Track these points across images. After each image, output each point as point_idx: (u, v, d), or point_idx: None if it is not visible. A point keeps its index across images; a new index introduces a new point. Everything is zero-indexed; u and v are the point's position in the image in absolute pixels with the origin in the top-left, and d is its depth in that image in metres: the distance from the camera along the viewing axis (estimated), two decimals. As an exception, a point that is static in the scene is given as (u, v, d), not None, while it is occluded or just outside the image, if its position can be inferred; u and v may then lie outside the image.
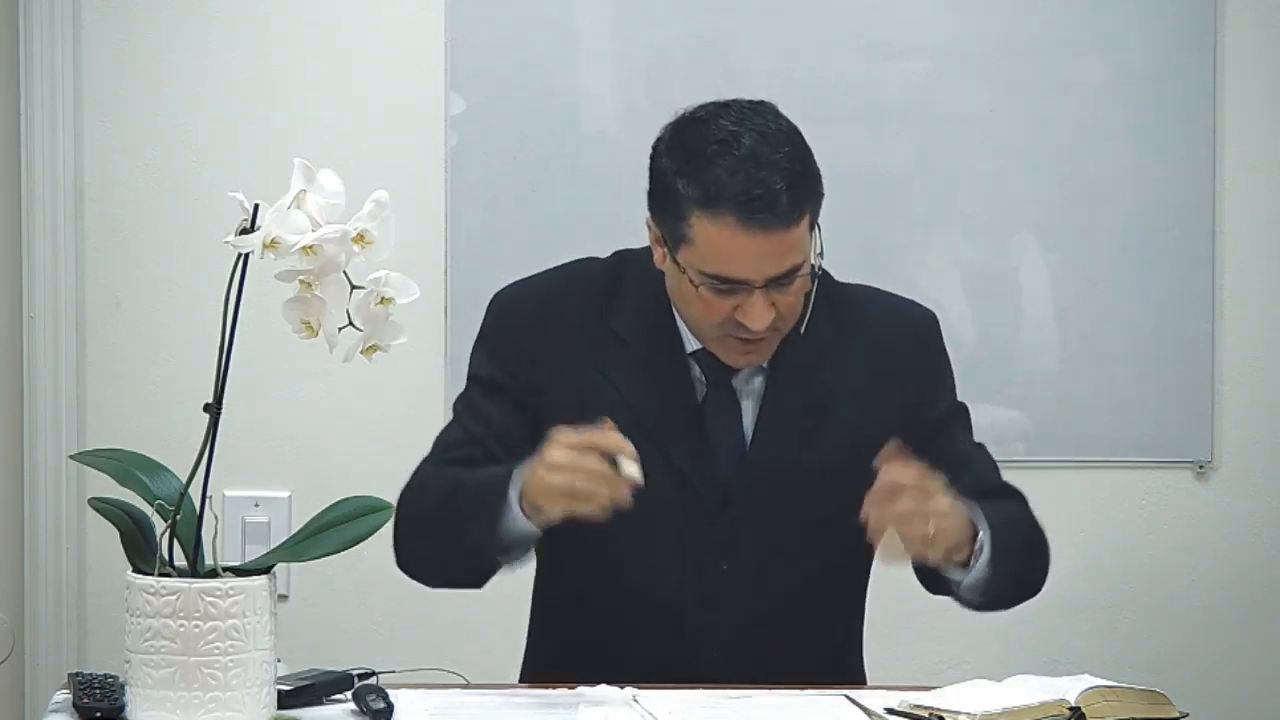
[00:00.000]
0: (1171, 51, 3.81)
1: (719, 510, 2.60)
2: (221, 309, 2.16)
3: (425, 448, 3.71)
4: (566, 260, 2.76)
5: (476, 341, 2.71)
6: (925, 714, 2.34)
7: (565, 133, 3.75)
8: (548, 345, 2.63)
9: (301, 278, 2.15)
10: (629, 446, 2.37)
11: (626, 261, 2.66)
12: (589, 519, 2.38)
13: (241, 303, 2.17)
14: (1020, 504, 2.70)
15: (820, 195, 2.52)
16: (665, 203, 2.50)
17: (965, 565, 2.52)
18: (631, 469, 2.35)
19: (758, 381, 2.61)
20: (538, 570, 2.72)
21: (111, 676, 2.32)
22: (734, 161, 2.45)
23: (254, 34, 3.73)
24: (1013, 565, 2.56)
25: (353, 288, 2.18)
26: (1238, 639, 3.89)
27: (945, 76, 3.79)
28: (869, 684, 2.66)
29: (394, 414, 3.76)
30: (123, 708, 2.24)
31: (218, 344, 2.17)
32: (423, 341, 3.66)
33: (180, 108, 3.73)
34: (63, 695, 2.37)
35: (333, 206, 2.16)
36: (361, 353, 2.21)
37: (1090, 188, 3.82)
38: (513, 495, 2.43)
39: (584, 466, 2.37)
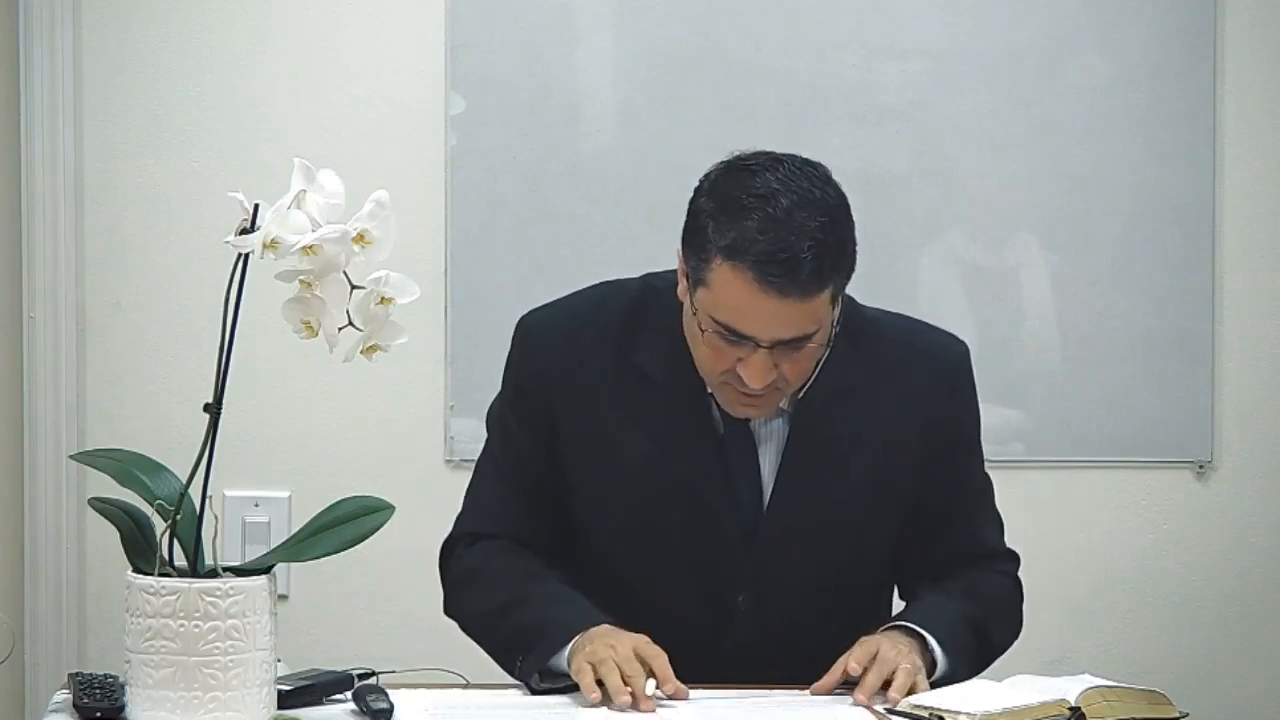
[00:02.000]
0: (1171, 51, 3.81)
1: (739, 547, 2.59)
2: (221, 309, 2.16)
3: (425, 448, 3.76)
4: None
5: (506, 365, 2.71)
6: (925, 714, 2.34)
7: (565, 133, 3.75)
8: (571, 375, 2.61)
9: (301, 278, 2.15)
10: (668, 685, 2.40)
11: (653, 290, 2.63)
12: (585, 695, 2.41)
13: (241, 303, 2.17)
14: (998, 580, 2.70)
15: (850, 270, 2.48)
16: (694, 241, 2.47)
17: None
18: (650, 689, 2.39)
19: (777, 424, 2.59)
20: None
21: (111, 676, 2.31)
22: (766, 219, 2.40)
23: (254, 34, 3.73)
24: (964, 665, 2.57)
25: (353, 288, 2.18)
26: (1237, 638, 3.89)
27: (945, 77, 3.79)
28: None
29: (394, 414, 3.76)
30: (123, 708, 2.23)
31: (218, 344, 2.17)
32: (423, 341, 3.66)
33: (180, 108, 3.73)
34: (63, 695, 2.37)
35: (333, 206, 2.16)
36: (361, 353, 2.21)
37: (1090, 188, 3.82)
38: (564, 653, 2.47)
39: (627, 671, 2.39)
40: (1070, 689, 2.37)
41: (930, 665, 2.51)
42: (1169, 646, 3.87)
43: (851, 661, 2.45)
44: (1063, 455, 3.85)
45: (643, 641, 2.44)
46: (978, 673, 2.59)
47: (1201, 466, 3.87)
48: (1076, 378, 3.83)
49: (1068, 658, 3.75)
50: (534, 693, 2.48)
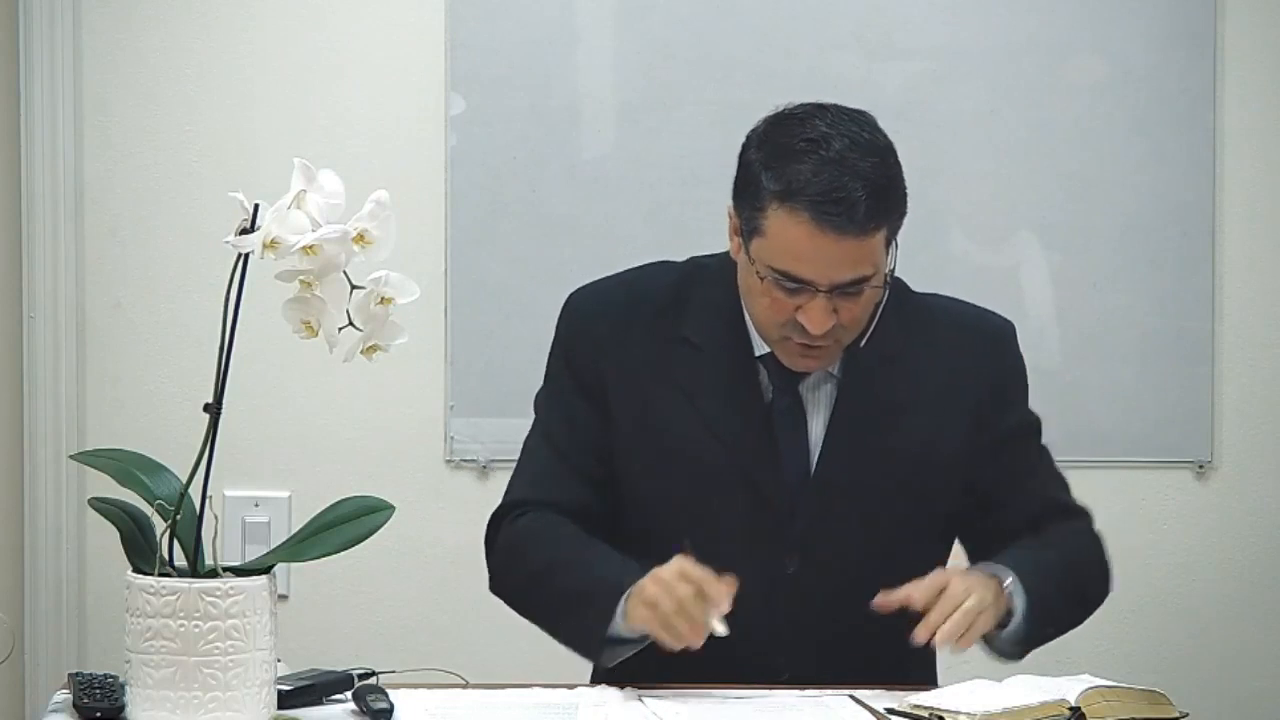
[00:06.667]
0: (1171, 51, 3.81)
1: (786, 516, 2.59)
2: (221, 309, 2.16)
3: (425, 448, 3.76)
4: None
5: (553, 344, 2.72)
6: (925, 714, 2.35)
7: (565, 133, 3.75)
8: (620, 347, 2.64)
9: (301, 278, 2.15)
10: (724, 602, 2.40)
11: (700, 267, 2.67)
12: (661, 643, 2.43)
13: (241, 303, 2.17)
14: (1075, 529, 2.71)
15: (902, 214, 2.51)
16: (746, 192, 2.51)
17: (1001, 627, 2.54)
18: (715, 623, 2.40)
19: (827, 390, 2.61)
20: None
21: (111, 676, 2.32)
22: (820, 162, 2.46)
23: (254, 34, 3.73)
24: (1052, 611, 2.59)
25: (353, 288, 2.18)
26: (1237, 638, 3.90)
27: (945, 77, 3.79)
28: (873, 683, 2.65)
29: (394, 414, 3.76)
30: (123, 708, 2.23)
31: (218, 344, 2.17)
32: (423, 342, 3.66)
33: (180, 108, 3.73)
34: (63, 695, 2.37)
35: (333, 206, 2.16)
36: (361, 353, 2.21)
37: (1090, 188, 3.82)
38: (620, 606, 2.48)
39: (679, 597, 2.41)
40: (1070, 689, 2.37)
41: (1006, 612, 2.50)
42: (1169, 646, 3.87)
43: (915, 593, 2.44)
44: (1063, 455, 3.83)
45: (684, 566, 2.43)
46: (1068, 625, 2.64)
47: (1201, 466, 3.87)
48: (1076, 378, 3.83)
49: (1068, 658, 3.74)
50: (603, 661, 2.53)
